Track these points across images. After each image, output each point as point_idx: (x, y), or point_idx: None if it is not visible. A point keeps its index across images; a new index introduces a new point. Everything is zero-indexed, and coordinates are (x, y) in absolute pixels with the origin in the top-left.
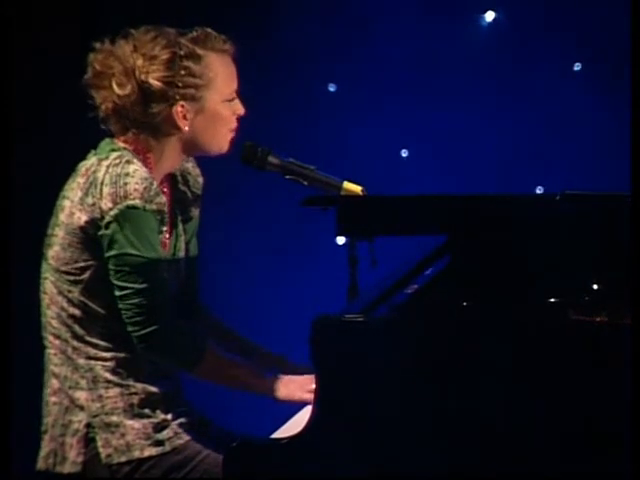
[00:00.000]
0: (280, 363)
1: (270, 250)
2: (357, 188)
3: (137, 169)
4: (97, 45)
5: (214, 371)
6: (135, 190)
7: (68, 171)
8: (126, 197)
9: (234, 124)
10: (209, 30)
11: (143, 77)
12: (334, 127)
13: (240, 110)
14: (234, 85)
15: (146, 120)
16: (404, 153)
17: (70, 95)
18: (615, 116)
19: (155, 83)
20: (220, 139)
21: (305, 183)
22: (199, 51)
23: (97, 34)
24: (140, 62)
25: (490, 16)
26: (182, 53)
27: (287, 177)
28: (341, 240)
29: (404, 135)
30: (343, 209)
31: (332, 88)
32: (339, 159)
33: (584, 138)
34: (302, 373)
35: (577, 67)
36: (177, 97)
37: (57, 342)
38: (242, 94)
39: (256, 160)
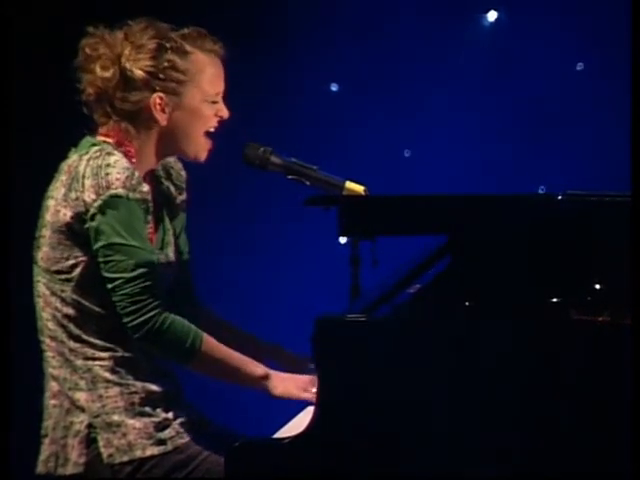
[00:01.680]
0: (276, 352)
1: (272, 250)
2: (359, 188)
3: (118, 159)
4: (90, 29)
5: (211, 363)
6: (117, 179)
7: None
8: (108, 187)
9: (213, 124)
10: (201, 29)
11: (128, 65)
12: (336, 127)
13: (223, 112)
14: (220, 87)
15: (125, 108)
16: (406, 153)
17: (70, 94)
18: (615, 116)
19: (137, 72)
20: (197, 140)
21: (307, 183)
22: (187, 47)
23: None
24: (127, 50)
25: (492, 16)
26: (169, 46)
27: (289, 177)
28: (343, 240)
29: (406, 135)
30: (345, 209)
31: (334, 88)
32: (341, 159)
33: (584, 138)
34: (298, 362)
35: (578, 67)
36: (157, 88)
37: (54, 344)
38: (244, 95)
39: (258, 160)
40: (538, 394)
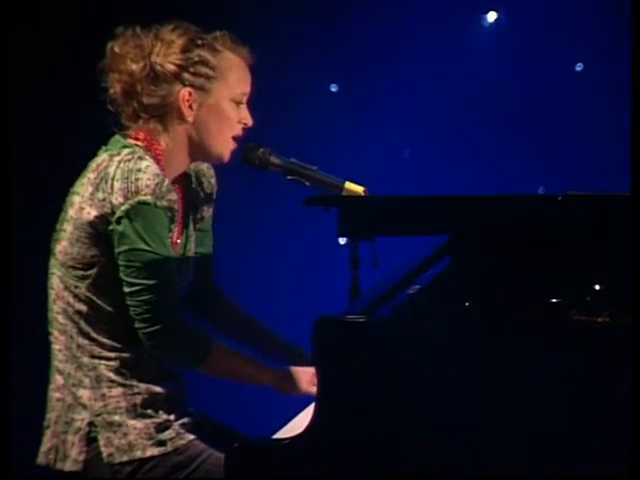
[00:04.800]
0: (298, 356)
1: (271, 250)
2: (359, 188)
3: (149, 165)
4: (119, 30)
5: (220, 367)
6: (147, 186)
7: (70, 168)
8: (137, 192)
9: (238, 131)
10: (231, 34)
11: (158, 59)
12: (336, 127)
13: (247, 119)
14: (246, 88)
15: (153, 102)
16: (406, 153)
17: (71, 92)
18: (615, 116)
19: (168, 65)
20: (222, 141)
21: (307, 183)
22: (218, 47)
23: (98, 33)
24: (157, 47)
25: (492, 16)
26: (200, 42)
27: (289, 177)
28: (343, 240)
29: (406, 135)
30: (345, 209)
31: (334, 88)
32: (340, 159)
33: (584, 138)
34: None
35: (578, 67)
36: (186, 83)
37: (63, 338)
38: None
39: (258, 160)
40: (538, 394)
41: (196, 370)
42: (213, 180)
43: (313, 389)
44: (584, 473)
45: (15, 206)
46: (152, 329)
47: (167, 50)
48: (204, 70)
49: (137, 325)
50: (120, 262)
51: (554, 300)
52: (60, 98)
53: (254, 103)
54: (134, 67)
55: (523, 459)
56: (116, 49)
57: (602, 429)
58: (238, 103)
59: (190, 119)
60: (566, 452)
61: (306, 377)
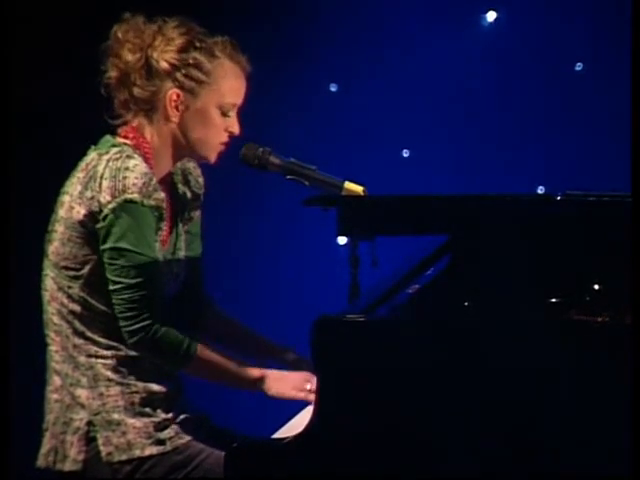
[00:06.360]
0: (285, 354)
1: (271, 250)
2: (358, 188)
3: (137, 164)
4: (126, 16)
5: (204, 369)
6: (134, 184)
7: (69, 168)
8: (124, 191)
9: (224, 138)
10: (234, 41)
11: (155, 54)
12: (335, 127)
13: (234, 128)
14: (237, 100)
15: (142, 97)
16: (405, 153)
17: (71, 92)
18: (615, 116)
19: (162, 62)
20: (207, 145)
21: (306, 183)
22: (217, 52)
23: (98, 32)
24: (157, 41)
25: (491, 16)
26: (198, 45)
27: (288, 177)
28: (342, 240)
29: (405, 135)
30: (344, 209)
31: (333, 88)
32: (340, 159)
33: (584, 138)
34: (306, 366)
35: (577, 67)
36: (176, 83)
37: (58, 339)
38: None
39: (257, 160)
40: (538, 394)
41: (182, 371)
42: (201, 180)
43: (300, 394)
44: (584, 473)
45: (15, 206)
46: (133, 327)
47: (165, 47)
48: (196, 74)
49: (120, 323)
50: (105, 259)
51: (554, 300)
52: (60, 98)
53: (254, 103)
54: (130, 57)
55: (523, 459)
56: (119, 34)
57: (602, 429)
58: (226, 112)
59: (175, 120)
60: (566, 452)
61: (294, 382)
